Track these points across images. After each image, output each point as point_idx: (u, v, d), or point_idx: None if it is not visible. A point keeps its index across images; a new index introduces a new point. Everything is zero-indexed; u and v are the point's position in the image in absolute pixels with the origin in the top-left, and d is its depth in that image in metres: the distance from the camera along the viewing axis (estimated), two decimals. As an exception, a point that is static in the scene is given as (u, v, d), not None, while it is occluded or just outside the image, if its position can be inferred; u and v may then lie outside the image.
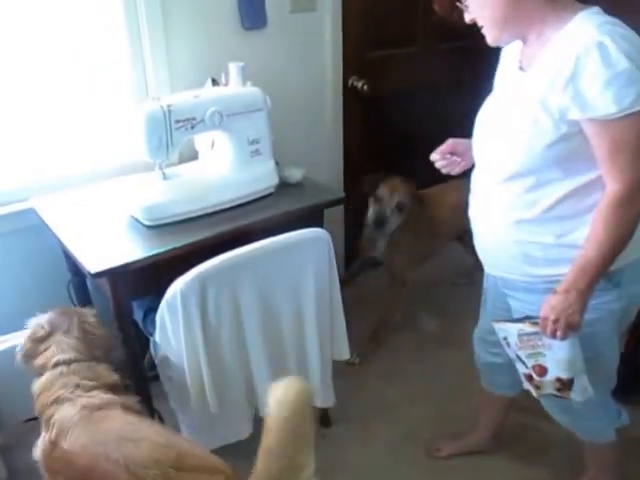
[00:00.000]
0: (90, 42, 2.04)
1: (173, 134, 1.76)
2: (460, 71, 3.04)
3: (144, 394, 1.88)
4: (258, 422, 1.87)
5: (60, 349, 1.51)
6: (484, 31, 1.39)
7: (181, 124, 1.77)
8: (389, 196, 2.40)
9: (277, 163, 2.07)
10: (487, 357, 1.86)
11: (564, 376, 1.43)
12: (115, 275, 1.64)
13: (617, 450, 1.79)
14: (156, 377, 1.84)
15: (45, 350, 1.53)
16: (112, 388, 1.48)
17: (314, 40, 2.50)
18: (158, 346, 1.72)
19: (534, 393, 1.52)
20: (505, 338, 1.51)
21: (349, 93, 2.72)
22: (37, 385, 1.48)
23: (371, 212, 2.45)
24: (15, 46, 1.91)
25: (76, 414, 1.36)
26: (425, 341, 2.67)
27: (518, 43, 1.43)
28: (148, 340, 1.81)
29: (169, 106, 1.74)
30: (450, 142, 1.69)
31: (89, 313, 1.66)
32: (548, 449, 2.08)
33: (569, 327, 1.36)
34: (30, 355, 1.55)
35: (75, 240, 1.74)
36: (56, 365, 1.48)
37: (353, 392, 2.27)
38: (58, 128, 2.07)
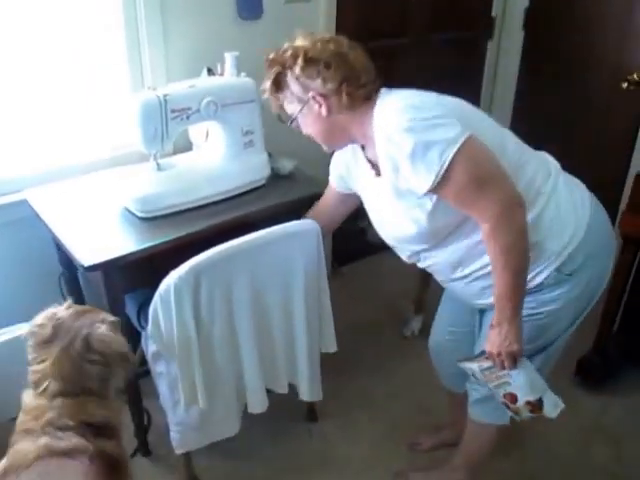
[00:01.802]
0: (86, 32, 2.00)
1: (169, 124, 1.74)
2: (452, 62, 3.06)
3: (133, 392, 1.88)
4: (246, 419, 1.89)
5: (52, 372, 1.30)
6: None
7: (177, 114, 1.75)
8: None
9: (270, 155, 2.06)
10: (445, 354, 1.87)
11: (531, 398, 1.49)
12: (109, 268, 1.62)
13: (495, 440, 1.80)
14: (146, 373, 1.82)
15: (41, 362, 1.31)
16: (95, 428, 1.29)
17: (308, 30, 2.43)
18: (150, 340, 1.70)
19: (517, 418, 1.57)
20: (473, 374, 1.57)
21: (341, 84, 2.70)
22: (26, 401, 1.32)
23: None
24: (8, 35, 1.86)
25: (33, 453, 1.19)
26: (409, 336, 2.69)
27: (355, 152, 1.56)
28: (139, 335, 1.80)
29: (165, 96, 1.71)
30: None
31: (101, 320, 1.38)
32: (524, 441, 2.12)
33: (512, 356, 1.41)
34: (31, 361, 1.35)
35: (68, 232, 1.71)
36: (44, 391, 1.29)
37: (338, 387, 2.28)
38: (52, 118, 2.03)
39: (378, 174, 1.48)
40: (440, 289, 1.74)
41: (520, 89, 3.25)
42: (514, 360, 1.42)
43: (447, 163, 1.26)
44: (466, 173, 1.29)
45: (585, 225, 1.43)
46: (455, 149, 1.26)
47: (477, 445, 1.83)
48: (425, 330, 2.61)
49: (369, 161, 1.51)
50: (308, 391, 1.94)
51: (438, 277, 1.62)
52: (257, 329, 1.75)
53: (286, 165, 2.10)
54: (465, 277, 1.50)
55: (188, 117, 1.78)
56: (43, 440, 1.21)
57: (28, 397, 1.32)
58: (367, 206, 1.61)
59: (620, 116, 2.80)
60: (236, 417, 1.86)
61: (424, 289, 2.62)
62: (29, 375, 1.33)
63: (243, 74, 1.97)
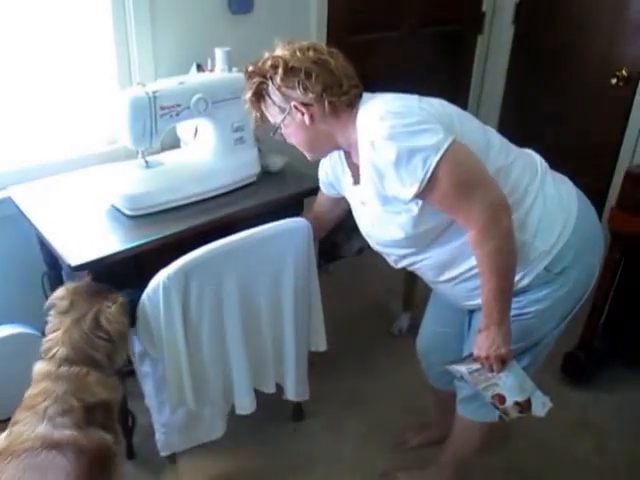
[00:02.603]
0: (73, 26, 1.96)
1: (158, 121, 1.72)
2: (442, 56, 3.06)
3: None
4: (232, 419, 1.88)
5: (62, 339, 1.42)
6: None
7: (166, 111, 1.73)
8: None
9: (260, 151, 2.04)
10: (433, 355, 1.88)
11: (520, 399, 1.50)
12: (96, 268, 1.59)
13: (484, 437, 1.78)
14: (131, 373, 1.80)
15: (55, 331, 1.44)
16: (93, 410, 1.38)
17: (299, 24, 2.46)
18: (137, 340, 1.69)
19: (505, 419, 1.58)
20: (461, 377, 1.58)
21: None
22: (35, 369, 1.42)
23: None
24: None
25: (28, 442, 1.27)
26: (396, 333, 2.69)
27: (341, 158, 1.56)
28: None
29: (154, 92, 1.69)
30: None
31: (112, 301, 1.51)
32: (511, 438, 2.14)
33: (500, 360, 1.42)
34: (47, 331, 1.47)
35: (54, 231, 1.69)
36: (52, 357, 1.41)
37: (324, 385, 2.28)
38: (37, 114, 2.00)
39: (356, 182, 1.48)
40: (429, 286, 1.74)
41: (509, 84, 3.25)
42: (503, 363, 1.43)
43: (431, 169, 1.26)
44: (450, 179, 1.28)
45: (573, 222, 1.43)
46: (439, 155, 1.26)
47: (465, 442, 1.83)
48: (414, 327, 2.62)
49: (353, 168, 1.51)
50: (294, 391, 1.93)
51: (426, 280, 1.62)
52: (246, 328, 1.74)
53: (277, 161, 2.08)
54: (453, 279, 1.51)
55: (178, 114, 1.76)
56: (41, 428, 1.30)
57: (38, 365, 1.42)
58: (354, 212, 1.61)
59: (609, 112, 2.81)
60: (222, 419, 1.85)
61: (412, 286, 2.61)
62: (42, 345, 1.44)
63: (235, 69, 1.94)
